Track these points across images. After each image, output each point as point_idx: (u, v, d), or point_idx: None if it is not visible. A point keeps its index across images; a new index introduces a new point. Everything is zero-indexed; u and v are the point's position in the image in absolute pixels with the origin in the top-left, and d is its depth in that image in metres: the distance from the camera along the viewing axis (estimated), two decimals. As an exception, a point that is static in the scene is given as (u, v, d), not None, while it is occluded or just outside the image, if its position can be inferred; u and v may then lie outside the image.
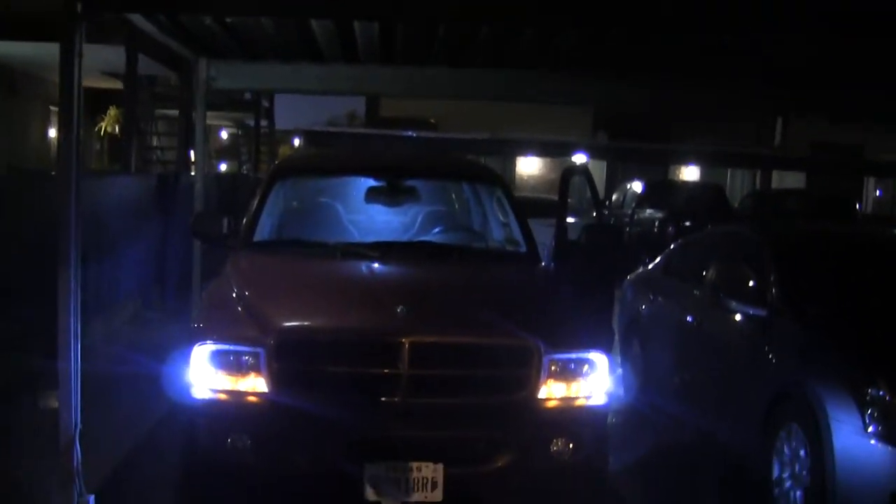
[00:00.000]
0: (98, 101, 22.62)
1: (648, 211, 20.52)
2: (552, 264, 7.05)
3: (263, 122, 31.14)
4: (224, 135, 46.80)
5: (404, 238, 6.88)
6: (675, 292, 8.51)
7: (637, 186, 22.26)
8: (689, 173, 30.76)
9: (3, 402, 7.28)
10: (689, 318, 7.86)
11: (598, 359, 5.23)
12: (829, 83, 10.71)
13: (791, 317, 6.42)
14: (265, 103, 30.85)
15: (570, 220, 18.50)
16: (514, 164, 31.25)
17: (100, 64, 17.70)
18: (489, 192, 7.33)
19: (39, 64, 18.81)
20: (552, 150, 24.68)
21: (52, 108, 22.07)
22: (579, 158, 27.34)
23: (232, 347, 5.00)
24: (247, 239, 6.44)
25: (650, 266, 9.59)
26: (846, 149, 25.59)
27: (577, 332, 5.36)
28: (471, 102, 20.50)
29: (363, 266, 5.98)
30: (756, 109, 19.52)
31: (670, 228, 18.71)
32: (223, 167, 44.64)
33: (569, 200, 8.75)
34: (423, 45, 9.18)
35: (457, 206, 7.67)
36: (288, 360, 4.95)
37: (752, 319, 6.72)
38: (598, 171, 24.76)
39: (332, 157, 8.70)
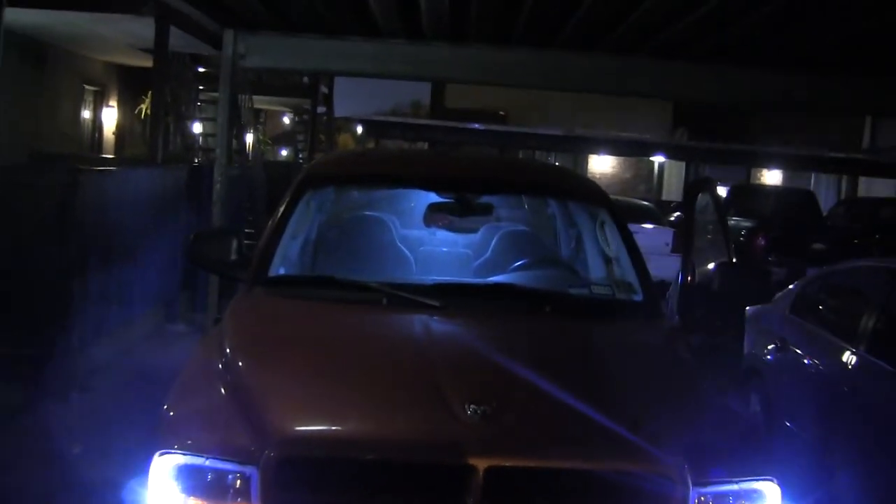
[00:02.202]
0: (140, 81, 20.93)
1: (734, 219, 18.80)
2: (676, 318, 5.09)
3: (322, 109, 29.51)
4: (286, 120, 45.81)
5: (476, 274, 5.02)
6: (812, 341, 6.82)
7: (721, 191, 20.51)
8: (772, 176, 28.78)
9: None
10: (835, 380, 6.21)
11: (770, 490, 3.33)
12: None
13: None
14: (324, 88, 29.25)
15: (648, 226, 17.12)
16: (585, 162, 29.49)
17: (132, 39, 16.07)
18: (591, 216, 5.35)
19: (70, 37, 17.17)
20: (629, 148, 22.98)
21: (87, 86, 20.49)
22: (657, 159, 25.64)
23: (209, 463, 3.15)
24: (259, 273, 4.49)
25: (773, 301, 7.74)
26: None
27: (737, 448, 3.47)
28: (543, 93, 18.77)
29: (417, 323, 4.08)
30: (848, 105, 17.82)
31: (760, 239, 17.09)
32: (284, 153, 43.48)
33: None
34: (504, 20, 7.32)
35: (547, 231, 5.78)
36: (295, 487, 3.11)
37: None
38: (678, 171, 23.06)
39: (382, 159, 6.38)
